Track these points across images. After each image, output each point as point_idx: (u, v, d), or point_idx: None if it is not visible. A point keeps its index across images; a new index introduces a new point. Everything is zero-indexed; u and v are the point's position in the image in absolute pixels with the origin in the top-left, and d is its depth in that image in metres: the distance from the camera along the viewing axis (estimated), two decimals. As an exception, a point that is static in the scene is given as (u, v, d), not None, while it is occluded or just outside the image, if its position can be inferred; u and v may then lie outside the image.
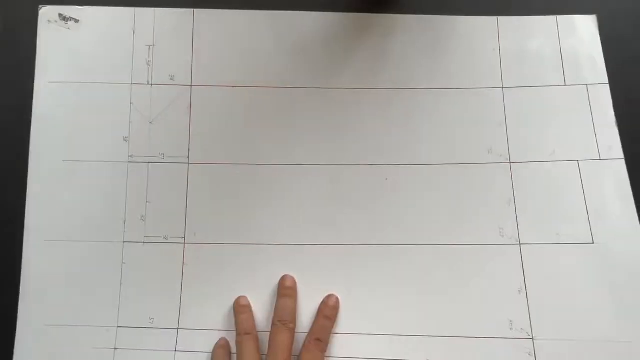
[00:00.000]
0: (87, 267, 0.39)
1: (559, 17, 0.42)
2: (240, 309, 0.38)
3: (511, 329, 0.37)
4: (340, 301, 0.38)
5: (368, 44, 0.42)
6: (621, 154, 0.39)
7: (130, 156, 0.41)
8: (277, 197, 0.40)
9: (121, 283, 0.39)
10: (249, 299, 0.38)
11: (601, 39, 0.41)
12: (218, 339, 0.38)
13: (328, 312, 0.37)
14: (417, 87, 0.41)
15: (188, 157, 0.40)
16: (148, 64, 0.42)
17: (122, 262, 0.39)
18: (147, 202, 0.40)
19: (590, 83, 0.41)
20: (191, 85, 0.41)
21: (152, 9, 0.42)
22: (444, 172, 0.39)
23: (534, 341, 0.36)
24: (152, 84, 0.41)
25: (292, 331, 0.37)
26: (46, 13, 0.42)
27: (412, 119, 0.41)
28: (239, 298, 0.38)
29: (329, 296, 0.38)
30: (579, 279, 0.37)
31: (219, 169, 0.40)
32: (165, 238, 0.40)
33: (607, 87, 0.41)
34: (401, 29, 0.42)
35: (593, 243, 0.38)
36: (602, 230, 0.38)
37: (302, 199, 0.40)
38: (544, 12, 0.42)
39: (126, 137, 0.41)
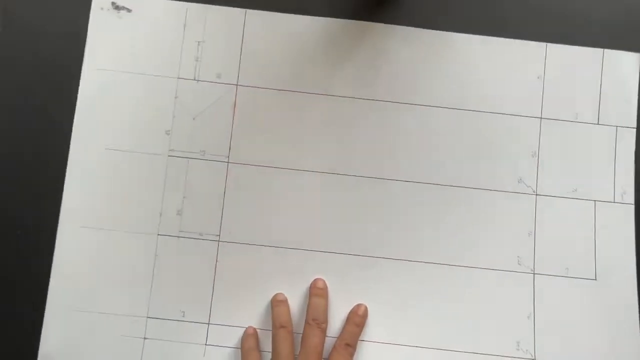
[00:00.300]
0: (120, 256, 0.40)
1: (606, 50, 0.43)
2: (278, 303, 0.40)
3: (517, 349, 0.40)
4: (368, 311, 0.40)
5: (412, 58, 0.42)
6: (632, 200, 0.42)
7: (171, 150, 0.41)
8: (314, 203, 0.41)
9: (153, 275, 0.40)
10: (282, 298, 0.40)
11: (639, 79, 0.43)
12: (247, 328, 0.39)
13: (357, 320, 0.39)
14: (455, 107, 0.42)
15: (228, 156, 0.41)
16: (196, 60, 0.41)
17: (156, 255, 0.40)
18: (184, 197, 0.41)
19: (620, 125, 0.42)
20: (237, 85, 0.41)
21: (205, 5, 0.42)
22: (468, 195, 0.42)
23: (537, 363, 0.40)
24: (198, 80, 0.41)
25: (324, 331, 0.39)
26: (99, 1, 0.41)
27: (446, 137, 0.42)
28: (276, 294, 0.40)
29: (358, 305, 0.40)
30: (581, 310, 0.41)
31: (258, 170, 0.41)
32: (200, 234, 0.40)
33: (634, 132, 0.43)
34: (446, 47, 0.42)
35: (595, 280, 0.42)
36: (605, 268, 0.42)
37: (338, 208, 0.41)
38: (586, 43, 0.43)
39: (168, 131, 0.41)
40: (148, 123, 0.41)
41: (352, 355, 0.39)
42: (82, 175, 0.40)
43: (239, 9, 0.42)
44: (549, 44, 0.42)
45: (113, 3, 0.41)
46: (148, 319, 0.39)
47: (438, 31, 0.42)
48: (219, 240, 0.40)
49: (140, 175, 0.40)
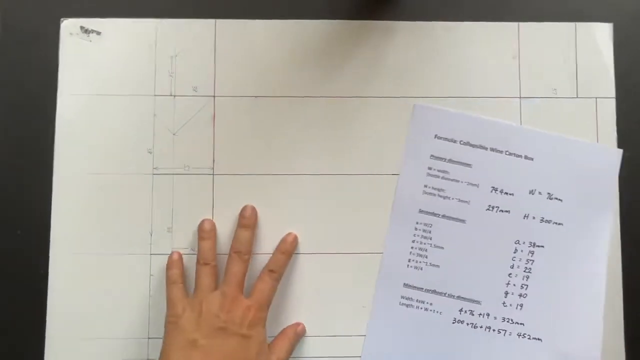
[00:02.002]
0: (115, 279, 0.40)
1: (578, 24, 0.42)
2: (203, 234, 0.40)
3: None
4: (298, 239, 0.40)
5: (386, 52, 0.42)
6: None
7: (155, 168, 0.41)
8: (307, 204, 0.41)
9: (150, 295, 0.40)
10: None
11: (613, 48, 0.42)
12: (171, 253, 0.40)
13: (284, 247, 0.40)
14: (432, 96, 0.42)
15: (213, 168, 0.41)
16: (171, 76, 0.41)
17: (150, 274, 0.40)
18: (173, 214, 0.40)
19: (599, 96, 0.42)
20: (214, 96, 0.41)
21: (174, 20, 0.42)
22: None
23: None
24: (175, 96, 0.41)
25: (247, 262, 0.39)
26: (68, 26, 0.41)
27: None
28: (203, 221, 0.40)
29: (288, 233, 0.40)
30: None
31: (244, 179, 0.41)
32: (193, 249, 0.40)
33: (614, 102, 0.42)
34: (418, 37, 0.42)
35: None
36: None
37: (332, 208, 0.41)
38: (558, 18, 0.43)
39: (150, 149, 0.41)
40: (129, 143, 0.41)
41: (276, 280, 0.39)
42: (69, 202, 0.40)
43: (208, 20, 0.42)
44: (520, 23, 0.42)
45: (82, 27, 0.41)
46: (149, 339, 0.39)
47: (406, 22, 0.42)
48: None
49: (126, 197, 0.40)
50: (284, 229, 0.40)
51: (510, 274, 0.40)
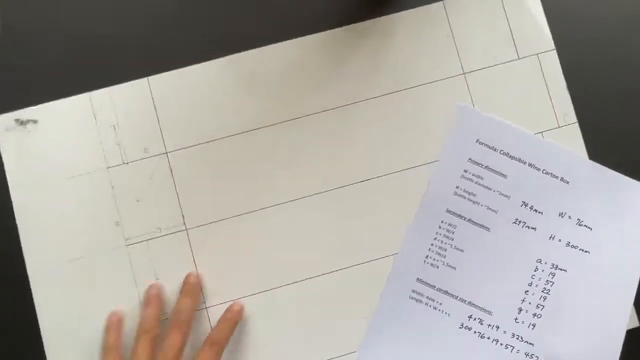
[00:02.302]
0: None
1: None
2: (148, 299, 0.39)
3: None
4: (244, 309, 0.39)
5: (324, 63, 0.42)
6: (575, 119, 0.42)
7: (127, 239, 0.40)
8: (282, 242, 0.41)
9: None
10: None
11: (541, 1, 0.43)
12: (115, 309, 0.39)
13: (229, 317, 0.39)
14: (377, 95, 0.42)
15: (184, 223, 0.40)
16: (118, 145, 0.41)
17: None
18: (157, 278, 0.40)
19: (540, 52, 0.42)
20: (167, 153, 0.41)
21: (107, 89, 0.41)
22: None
23: None
24: (128, 163, 0.41)
25: (186, 334, 0.37)
26: (2, 122, 0.41)
27: (381, 127, 0.42)
28: (151, 285, 0.39)
29: (234, 303, 0.39)
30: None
31: (220, 225, 0.41)
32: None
33: (555, 53, 0.42)
34: (359, 38, 0.42)
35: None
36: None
37: (302, 239, 0.41)
38: None
39: (118, 222, 0.40)
40: (95, 222, 0.40)
41: (217, 354, 0.37)
42: (50, 295, 0.40)
43: (140, 79, 0.41)
44: (445, 1, 0.42)
45: (17, 120, 0.41)
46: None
47: (339, 29, 0.42)
48: (205, 307, 0.40)
49: (106, 277, 0.40)
50: (277, 259, 0.40)
51: (527, 291, 0.40)
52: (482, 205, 0.41)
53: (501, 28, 0.42)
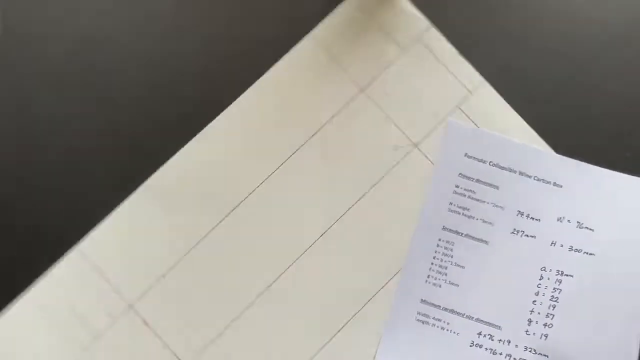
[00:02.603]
0: None
1: None
2: None
3: None
4: None
5: None
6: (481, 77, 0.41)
7: None
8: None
9: None
10: None
11: None
12: None
13: None
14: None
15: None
16: (85, 326, 0.39)
17: None
18: None
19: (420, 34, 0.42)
20: (132, 306, 0.39)
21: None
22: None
23: None
24: (99, 336, 0.39)
25: None
26: None
27: None
28: None
29: None
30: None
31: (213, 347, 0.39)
32: None
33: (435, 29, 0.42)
34: None
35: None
36: None
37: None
38: None
39: None
40: None
41: None
42: None
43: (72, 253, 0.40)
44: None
45: None
46: None
47: None
48: None
49: None
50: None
51: (535, 301, 0.39)
52: (477, 219, 0.40)
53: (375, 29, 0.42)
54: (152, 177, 0.41)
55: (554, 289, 0.39)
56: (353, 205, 0.41)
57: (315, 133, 0.41)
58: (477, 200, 0.41)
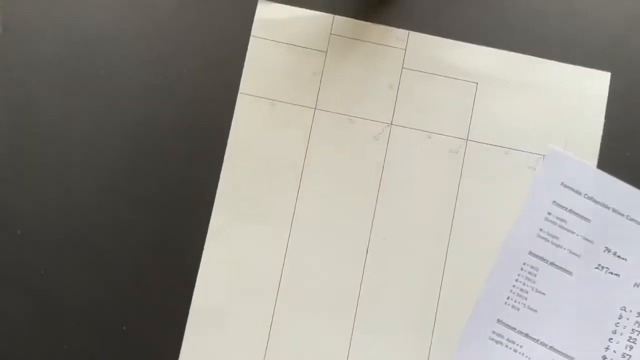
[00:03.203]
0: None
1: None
2: None
3: None
4: None
5: None
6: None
7: None
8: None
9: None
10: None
11: None
12: None
13: None
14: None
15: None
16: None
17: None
18: None
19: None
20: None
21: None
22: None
23: None
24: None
25: None
26: None
27: None
28: None
29: None
30: None
31: None
32: None
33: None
34: None
35: None
36: None
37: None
38: None
39: None
40: None
41: None
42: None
43: None
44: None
45: None
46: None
47: None
48: None
49: None
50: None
51: (612, 339, 0.39)
52: (565, 248, 0.40)
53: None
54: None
55: (632, 330, 0.39)
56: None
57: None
58: (568, 230, 0.41)
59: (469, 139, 0.42)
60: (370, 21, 0.42)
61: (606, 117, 0.42)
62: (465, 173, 0.41)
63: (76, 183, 0.41)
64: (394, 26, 0.42)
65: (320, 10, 0.42)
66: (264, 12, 0.42)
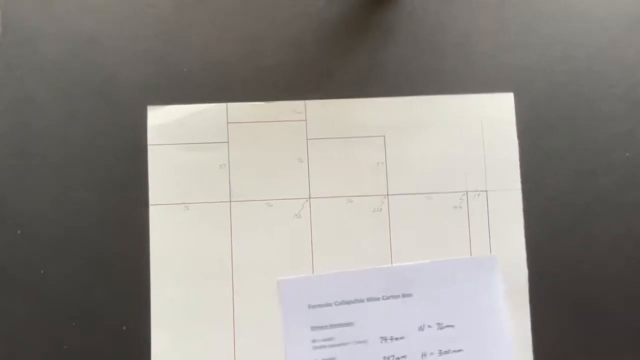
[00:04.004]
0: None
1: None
2: None
3: None
4: None
5: None
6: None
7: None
8: None
9: None
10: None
11: None
12: None
13: None
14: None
15: None
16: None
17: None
18: None
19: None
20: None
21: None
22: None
23: None
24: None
25: None
26: None
27: None
28: None
29: None
30: None
31: None
32: None
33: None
34: None
35: None
36: None
37: None
38: None
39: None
40: None
41: None
42: None
43: None
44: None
45: None
46: None
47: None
48: None
49: None
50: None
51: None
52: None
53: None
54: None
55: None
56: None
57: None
58: (339, 345, 0.40)
59: (389, 193, 0.41)
60: (264, 100, 0.42)
61: (518, 137, 0.42)
62: (393, 227, 0.41)
63: (76, 183, 0.41)
64: (288, 99, 0.42)
65: (212, 102, 0.42)
66: (156, 118, 0.41)
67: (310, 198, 0.41)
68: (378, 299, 0.40)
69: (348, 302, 0.40)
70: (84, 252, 0.40)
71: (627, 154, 0.42)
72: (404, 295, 0.40)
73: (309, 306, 0.40)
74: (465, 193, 0.41)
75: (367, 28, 0.43)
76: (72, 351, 0.39)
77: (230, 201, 0.41)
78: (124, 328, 0.40)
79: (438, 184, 0.41)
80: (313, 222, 0.41)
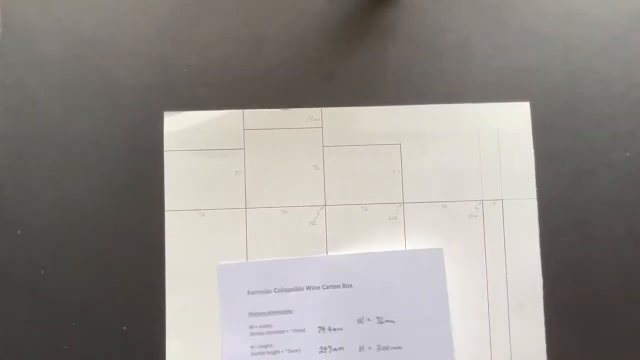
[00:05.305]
0: None
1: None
2: None
3: None
4: None
5: None
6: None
7: None
8: None
9: None
10: None
11: None
12: None
13: None
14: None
15: None
16: None
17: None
18: None
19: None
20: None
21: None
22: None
23: None
24: None
25: None
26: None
27: None
28: None
29: None
30: None
31: None
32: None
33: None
34: None
35: None
36: None
37: None
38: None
39: None
40: None
41: None
42: None
43: None
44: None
45: None
46: None
47: None
48: None
49: None
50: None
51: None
52: (282, 351, 0.39)
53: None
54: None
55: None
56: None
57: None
58: (276, 332, 0.39)
59: (404, 202, 0.41)
60: (281, 107, 0.42)
61: (534, 147, 0.42)
62: (408, 235, 0.41)
63: (76, 183, 0.41)
64: (305, 106, 0.42)
65: (228, 108, 0.42)
66: (172, 124, 0.41)
67: (325, 205, 0.41)
68: (318, 287, 0.40)
69: (287, 290, 0.40)
70: (84, 252, 0.40)
71: (627, 154, 0.42)
72: (344, 286, 0.40)
73: (248, 292, 0.40)
74: (481, 202, 0.41)
75: (367, 28, 0.43)
76: (72, 351, 0.39)
77: (246, 208, 0.41)
78: (124, 328, 0.40)
79: (454, 193, 0.41)
80: (328, 229, 0.41)
